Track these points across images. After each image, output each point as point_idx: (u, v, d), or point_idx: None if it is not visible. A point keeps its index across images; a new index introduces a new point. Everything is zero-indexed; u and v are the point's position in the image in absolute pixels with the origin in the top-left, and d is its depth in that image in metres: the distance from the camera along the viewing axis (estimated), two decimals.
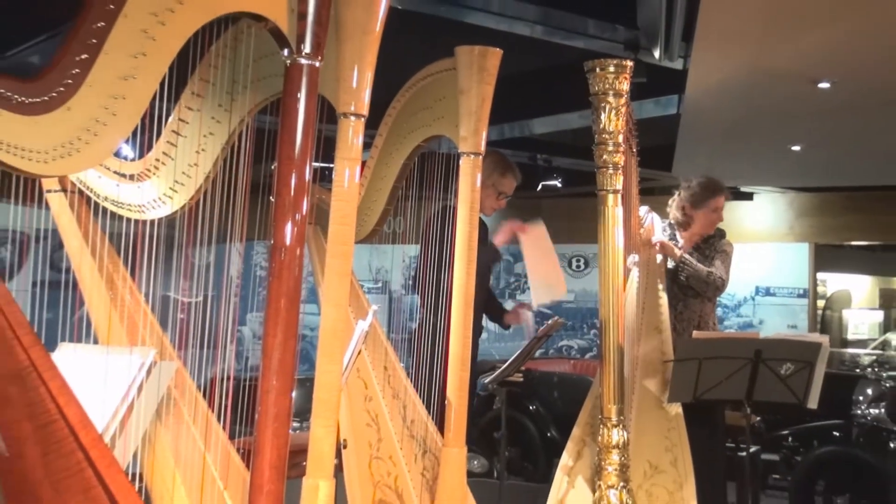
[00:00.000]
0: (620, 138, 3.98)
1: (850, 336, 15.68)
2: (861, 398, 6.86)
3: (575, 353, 11.47)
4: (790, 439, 7.20)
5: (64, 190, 2.90)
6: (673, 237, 4.80)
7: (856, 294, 16.90)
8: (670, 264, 4.68)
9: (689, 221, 4.82)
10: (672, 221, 4.88)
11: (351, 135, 2.70)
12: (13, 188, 2.17)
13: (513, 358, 4.46)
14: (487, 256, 4.68)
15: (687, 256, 4.63)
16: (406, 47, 3.41)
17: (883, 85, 5.99)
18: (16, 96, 1.86)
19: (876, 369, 8.85)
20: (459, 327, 3.53)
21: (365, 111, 2.74)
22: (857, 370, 9.48)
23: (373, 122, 2.96)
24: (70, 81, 1.92)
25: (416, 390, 3.76)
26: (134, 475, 2.31)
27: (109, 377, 2.36)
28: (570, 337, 11.62)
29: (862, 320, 16.33)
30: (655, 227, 4.72)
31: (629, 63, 3.97)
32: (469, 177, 3.48)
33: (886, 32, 4.96)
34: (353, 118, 2.70)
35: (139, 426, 2.45)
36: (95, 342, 2.77)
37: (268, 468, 2.11)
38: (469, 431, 3.55)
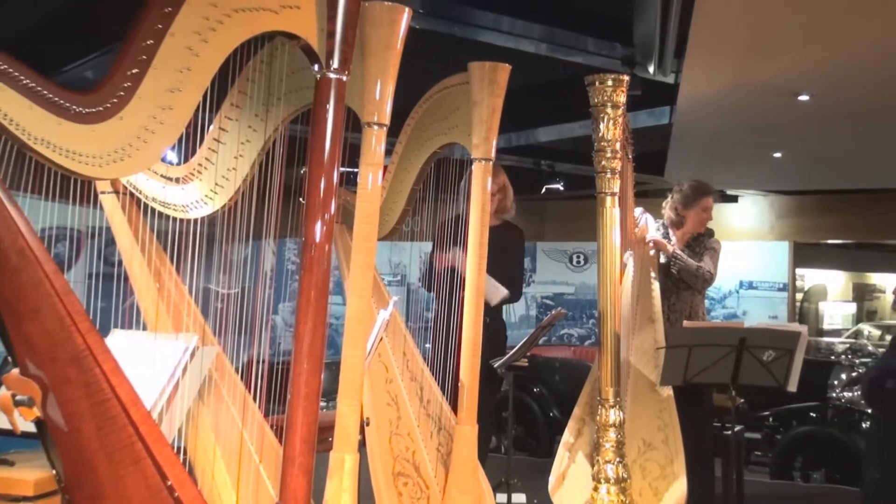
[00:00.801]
0: (618, 146, 3.98)
1: (826, 326, 15.64)
2: (836, 382, 6.85)
3: (575, 340, 11.46)
4: (771, 419, 7.18)
5: (116, 192, 2.91)
6: (666, 235, 4.79)
7: (831, 288, 16.85)
8: (663, 260, 4.66)
9: (682, 221, 4.80)
10: (666, 221, 4.86)
11: (374, 142, 2.70)
12: (70, 190, 2.18)
13: (520, 344, 4.46)
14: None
15: (678, 252, 4.62)
16: (424, 63, 3.42)
17: (857, 97, 5.96)
18: (74, 107, 1.87)
19: (849, 356, 8.84)
20: (471, 316, 3.53)
21: (387, 121, 2.74)
22: (833, 357, 9.46)
23: (393, 131, 2.96)
24: (122, 94, 1.93)
25: (432, 373, 3.77)
26: (179, 449, 2.32)
27: (157, 360, 2.37)
28: (571, 326, 11.62)
29: (836, 312, 16.29)
30: (649, 226, 4.70)
31: (626, 77, 3.96)
32: (480, 180, 3.48)
33: (861, 50, 4.94)
34: (376, 127, 2.71)
35: (183, 405, 2.47)
36: (144, 329, 2.79)
37: (299, 443, 2.12)
38: (479, 411, 3.56)
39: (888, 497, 3.24)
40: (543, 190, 9.60)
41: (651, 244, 4.58)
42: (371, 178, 2.69)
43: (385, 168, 3.27)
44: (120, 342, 2.35)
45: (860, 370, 6.99)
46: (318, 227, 2.15)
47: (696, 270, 4.59)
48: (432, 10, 5.28)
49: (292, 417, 2.12)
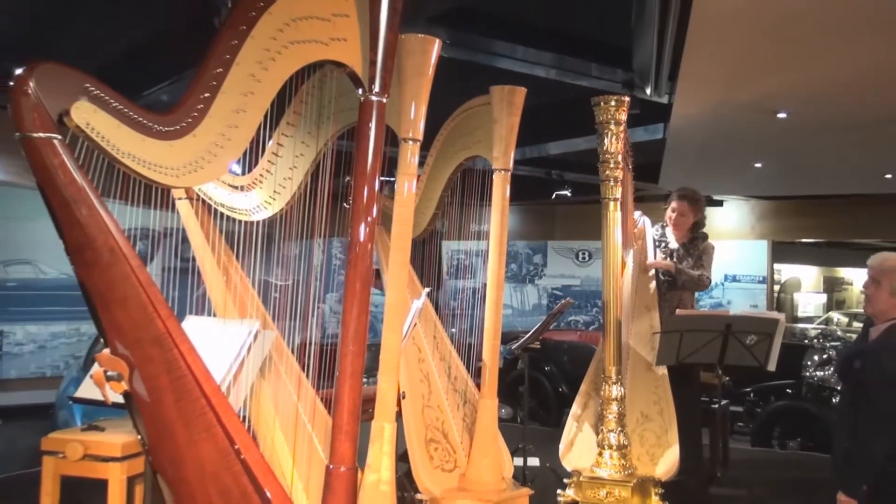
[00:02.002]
0: (619, 158, 3.96)
1: (800, 314, 15.48)
2: (809, 363, 6.78)
3: (581, 325, 11.40)
4: (752, 395, 7.12)
5: (190, 198, 2.93)
6: (664, 235, 4.73)
7: (805, 281, 16.67)
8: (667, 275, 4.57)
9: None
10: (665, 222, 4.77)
11: (409, 155, 2.71)
12: (150, 197, 2.20)
13: (533, 330, 4.46)
14: None
15: (682, 267, 4.53)
16: (451, 87, 3.42)
17: (828, 114, 5.89)
18: (156, 126, 1.89)
19: (821, 340, 8.71)
20: (492, 304, 3.53)
21: (420, 137, 2.74)
22: (806, 341, 9.33)
23: (425, 145, 2.96)
24: (196, 114, 1.95)
25: (459, 354, 3.78)
26: (244, 418, 2.33)
27: (225, 342, 2.38)
28: (577, 313, 11.56)
29: (809, 301, 16.13)
30: (647, 227, 4.67)
31: (627, 99, 3.95)
32: (500, 188, 3.48)
33: (831, 74, 4.88)
34: (410, 142, 2.71)
35: (247, 380, 2.47)
36: (213, 315, 2.81)
37: (346, 413, 2.12)
38: (499, 387, 3.56)
39: (855, 463, 3.21)
40: (553, 196, 9.55)
41: (652, 268, 4.51)
42: (407, 186, 2.69)
43: (418, 177, 3.27)
44: (193, 326, 2.37)
45: (831, 353, 6.91)
46: (362, 229, 2.16)
47: (698, 280, 4.53)
48: (457, 40, 5.27)
49: (340, 392, 2.12)
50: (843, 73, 4.87)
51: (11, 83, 1.76)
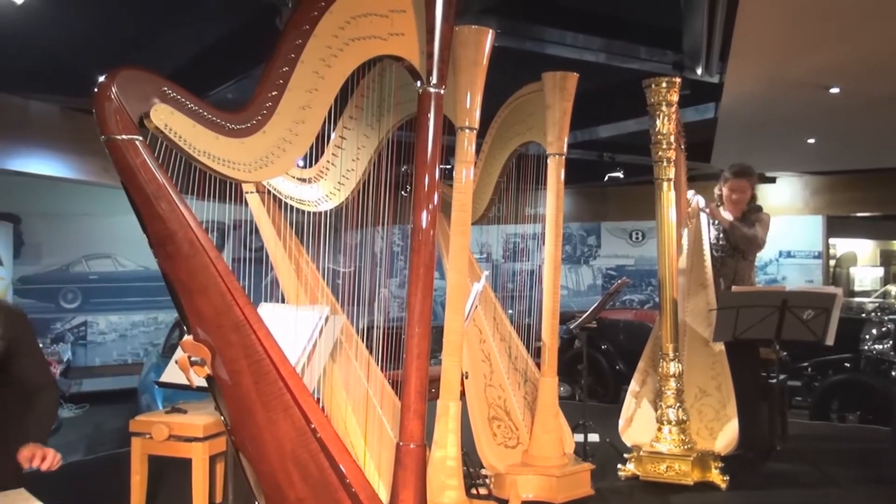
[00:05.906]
0: (672, 138, 3.91)
1: (857, 288, 15.02)
2: (867, 336, 6.59)
3: (636, 304, 11.29)
4: (810, 369, 6.96)
5: (259, 192, 2.99)
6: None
7: (860, 255, 16.17)
8: (715, 233, 4.46)
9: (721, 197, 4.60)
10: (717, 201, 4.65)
11: (466, 143, 2.72)
12: (222, 192, 2.25)
13: (591, 309, 4.43)
14: None
15: (736, 223, 4.40)
16: (503, 75, 3.41)
17: (881, 88, 5.71)
18: (228, 124, 1.94)
19: (878, 314, 8.44)
20: (550, 284, 3.53)
21: (476, 125, 2.75)
22: (863, 315, 9.06)
23: (481, 133, 2.97)
24: (265, 112, 1.99)
25: (518, 334, 3.79)
26: (317, 401, 2.38)
27: (298, 327, 2.43)
28: (632, 292, 11.43)
29: (865, 275, 15.63)
30: (700, 206, 4.57)
31: (678, 80, 3.89)
32: (555, 171, 3.48)
33: (884, 48, 4.72)
34: (467, 130, 2.73)
35: (319, 363, 2.52)
36: (284, 302, 2.86)
37: (414, 393, 2.15)
38: (557, 365, 3.56)
39: None
40: (606, 178, 9.45)
41: (708, 211, 4.41)
42: (465, 173, 2.71)
43: (474, 164, 3.28)
44: (268, 313, 2.42)
45: (889, 326, 6.70)
46: (424, 215, 2.17)
47: (752, 237, 4.37)
48: (507, 29, 5.25)
49: (408, 372, 2.15)
50: (894, 45, 4.71)
51: (95, 90, 1.82)
